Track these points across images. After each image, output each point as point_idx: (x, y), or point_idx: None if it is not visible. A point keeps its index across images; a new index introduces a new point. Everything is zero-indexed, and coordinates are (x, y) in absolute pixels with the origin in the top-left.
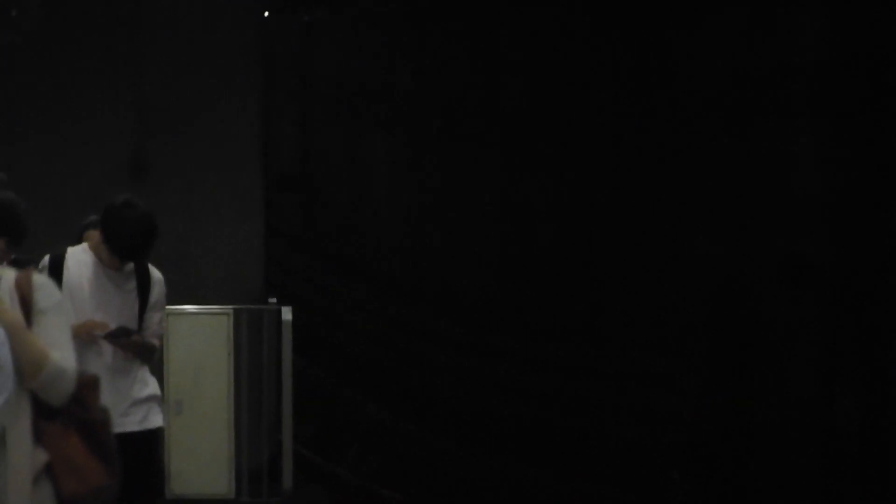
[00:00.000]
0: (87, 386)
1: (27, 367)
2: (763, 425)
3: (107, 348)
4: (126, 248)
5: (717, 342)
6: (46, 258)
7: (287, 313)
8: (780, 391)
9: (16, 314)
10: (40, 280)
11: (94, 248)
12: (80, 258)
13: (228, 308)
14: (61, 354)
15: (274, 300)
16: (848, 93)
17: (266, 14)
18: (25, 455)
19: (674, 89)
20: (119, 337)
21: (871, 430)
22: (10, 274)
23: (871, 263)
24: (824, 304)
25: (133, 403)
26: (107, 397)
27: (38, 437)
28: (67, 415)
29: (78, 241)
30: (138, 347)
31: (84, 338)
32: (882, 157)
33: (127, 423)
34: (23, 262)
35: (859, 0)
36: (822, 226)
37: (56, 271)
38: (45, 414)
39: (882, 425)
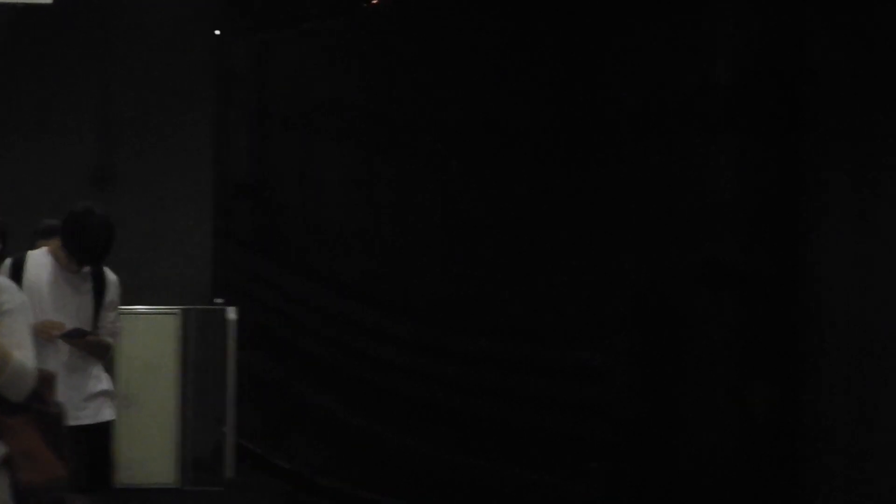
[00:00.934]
0: (45, 382)
1: None
2: (684, 418)
3: (63, 346)
4: (86, 253)
5: (641, 339)
6: (8, 261)
7: (232, 313)
8: (700, 386)
9: None
10: (3, 282)
11: (53, 252)
12: (39, 261)
13: (177, 308)
14: (23, 354)
15: (220, 300)
16: (763, 106)
17: (218, 32)
18: None
19: (600, 102)
20: (74, 337)
21: (785, 422)
22: None
23: (784, 267)
24: (742, 304)
25: (87, 398)
26: (63, 392)
27: None
28: (26, 409)
29: (32, 248)
30: (93, 346)
31: (42, 337)
32: (795, 167)
33: (82, 416)
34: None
35: (773, 19)
36: (740, 232)
37: (17, 274)
38: (6, 409)
39: (795, 419)
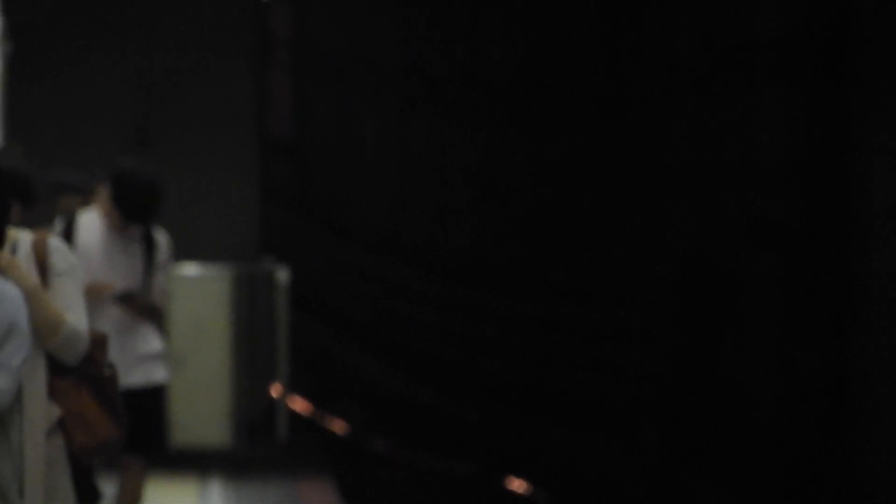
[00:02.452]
0: (97, 344)
1: (44, 330)
2: (730, 380)
3: (113, 308)
4: (133, 212)
5: (687, 299)
6: (57, 221)
7: (282, 274)
8: (747, 347)
9: (33, 278)
10: (55, 244)
11: (102, 213)
12: (90, 222)
13: (227, 269)
14: (76, 316)
15: (269, 259)
16: (811, 61)
17: None
18: (41, 410)
19: (646, 58)
20: (125, 299)
21: (833, 385)
22: (27, 237)
23: (834, 225)
24: (791, 263)
25: (138, 359)
26: (115, 354)
27: (52, 393)
28: (79, 372)
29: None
30: (143, 308)
31: (93, 298)
32: (843, 122)
33: (133, 378)
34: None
35: None
36: (789, 189)
37: (68, 234)
38: (59, 371)
39: (843, 381)
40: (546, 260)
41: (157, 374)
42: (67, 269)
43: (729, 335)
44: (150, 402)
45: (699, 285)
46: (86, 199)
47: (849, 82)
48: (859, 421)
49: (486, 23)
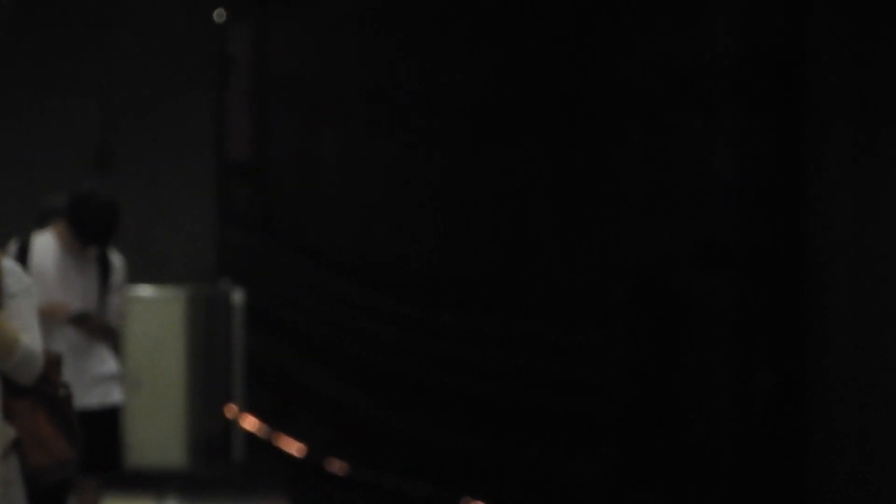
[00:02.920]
0: (52, 364)
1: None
2: (686, 399)
3: (69, 329)
4: (91, 234)
5: (641, 320)
6: (13, 244)
7: (238, 295)
8: (700, 367)
9: None
10: (9, 265)
11: (58, 234)
12: (45, 243)
13: (183, 290)
14: (30, 337)
15: (226, 281)
16: (764, 87)
17: (218, 14)
18: None
19: (600, 81)
20: (79, 320)
21: (786, 405)
22: None
23: (782, 246)
24: (741, 285)
25: (94, 380)
26: (70, 375)
27: (7, 414)
28: (34, 392)
29: (42, 225)
30: (98, 329)
31: (48, 319)
32: (795, 147)
33: (89, 399)
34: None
35: (770, 1)
36: (740, 212)
37: (23, 256)
38: (14, 392)
39: (794, 398)
40: (504, 280)
41: (113, 394)
42: (21, 290)
43: (684, 354)
44: (106, 422)
45: (653, 305)
46: None
47: (801, 106)
48: (815, 439)
49: (444, 47)
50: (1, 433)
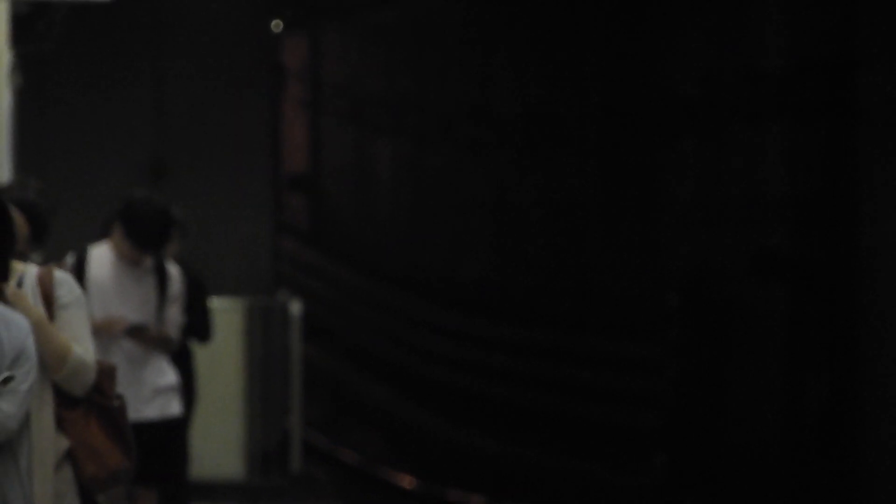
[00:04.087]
0: (105, 374)
1: (51, 361)
2: (737, 410)
3: (126, 341)
4: (145, 239)
5: (693, 331)
6: (70, 257)
7: (295, 306)
8: (752, 378)
9: (39, 310)
10: (61, 276)
11: (114, 245)
12: (102, 256)
13: (241, 301)
14: (83, 347)
15: (284, 293)
16: (814, 96)
17: (275, 25)
18: (48, 441)
19: (650, 93)
20: (136, 332)
21: (837, 417)
22: (32, 270)
23: (837, 257)
24: (794, 295)
25: (153, 392)
26: (128, 387)
27: (60, 424)
28: (87, 402)
29: (104, 235)
30: (156, 340)
31: (106, 333)
32: (846, 157)
33: (147, 411)
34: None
35: (823, 8)
36: (791, 222)
37: (80, 269)
38: (67, 402)
39: (847, 413)
40: (555, 291)
41: (173, 406)
42: (73, 300)
43: (736, 366)
44: (166, 435)
45: (705, 316)
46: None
47: (852, 117)
48: (865, 451)
49: (496, 62)
50: (53, 444)
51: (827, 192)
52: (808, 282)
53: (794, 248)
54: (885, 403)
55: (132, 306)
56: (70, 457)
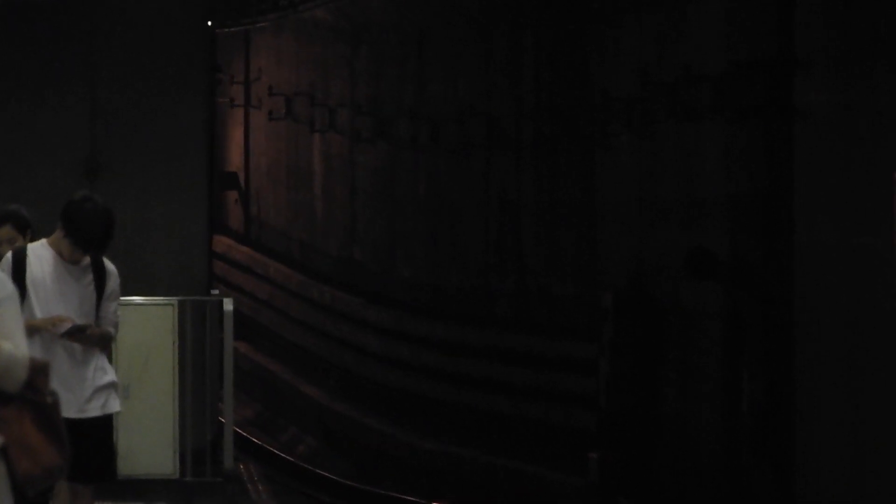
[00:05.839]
0: (39, 371)
1: None
2: (671, 409)
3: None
4: (88, 241)
5: (627, 330)
6: (8, 254)
7: (228, 304)
8: (687, 377)
9: None
10: None
11: (53, 244)
12: (40, 253)
13: (173, 299)
14: (14, 344)
15: (216, 291)
16: (750, 95)
17: (209, 24)
18: None
19: (589, 93)
20: (75, 333)
21: (771, 416)
22: None
23: (772, 257)
24: (729, 295)
25: (95, 390)
26: (72, 385)
27: None
28: (21, 399)
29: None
30: (96, 338)
31: (50, 332)
32: (781, 156)
33: (90, 408)
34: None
35: (760, 7)
36: (727, 221)
37: (19, 266)
38: (1, 399)
39: (781, 411)
40: (491, 291)
41: (113, 403)
42: (4, 297)
43: (670, 365)
44: (106, 431)
45: (639, 315)
46: (22, 230)
47: (789, 116)
48: (800, 449)
49: (430, 62)
50: None
51: (763, 192)
52: (744, 281)
53: (730, 248)
54: (819, 402)
55: (72, 304)
56: (3, 453)
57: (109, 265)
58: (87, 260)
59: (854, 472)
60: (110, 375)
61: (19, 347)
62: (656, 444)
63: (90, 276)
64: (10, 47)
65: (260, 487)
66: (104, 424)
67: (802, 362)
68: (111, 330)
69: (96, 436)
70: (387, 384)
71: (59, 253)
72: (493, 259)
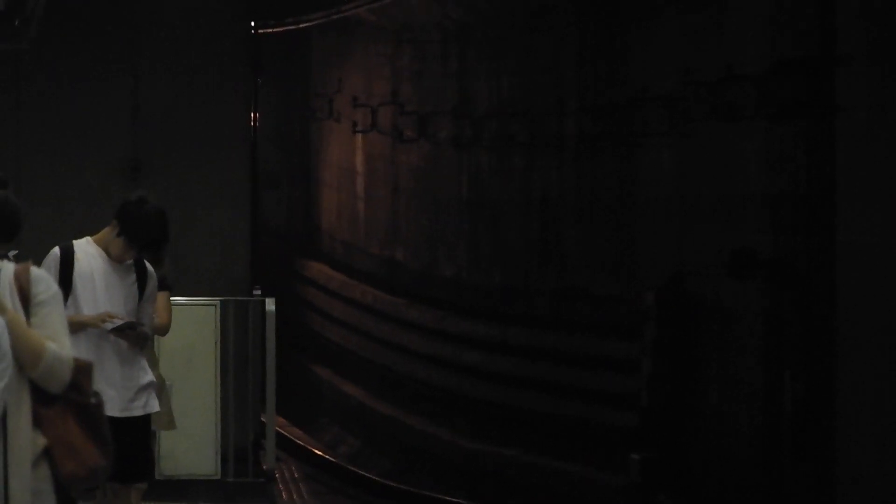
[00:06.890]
0: (82, 372)
1: (27, 358)
2: (711, 411)
3: (119, 339)
4: (145, 242)
5: (669, 329)
6: (56, 250)
7: (270, 304)
8: (728, 377)
9: (14, 307)
10: (38, 273)
11: (100, 242)
12: (87, 251)
13: (216, 299)
14: (59, 344)
15: (258, 291)
16: (792, 94)
17: (253, 25)
18: (26, 439)
19: (630, 91)
20: (125, 330)
21: (813, 416)
22: (8, 267)
23: (814, 255)
24: (770, 294)
25: (139, 390)
26: (118, 383)
27: (37, 422)
28: (65, 400)
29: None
30: (139, 338)
31: (100, 327)
32: (823, 155)
33: (133, 407)
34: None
35: (803, 6)
36: (769, 220)
37: (67, 262)
38: (44, 400)
39: (823, 412)
40: (533, 291)
41: (153, 403)
42: (50, 297)
43: (711, 364)
44: (144, 430)
45: (681, 315)
46: None
47: (831, 115)
48: (841, 450)
49: (473, 61)
50: (31, 442)
51: (805, 191)
52: (786, 280)
53: (772, 247)
54: (860, 403)
55: (118, 302)
56: (48, 454)
57: (149, 266)
58: (129, 260)
59: (893, 471)
60: (150, 375)
61: (64, 348)
62: (697, 444)
63: (133, 276)
64: (53, 48)
65: (301, 487)
66: (144, 424)
67: (843, 363)
68: (148, 330)
69: (137, 435)
70: (429, 383)
71: (106, 251)
72: (534, 258)
